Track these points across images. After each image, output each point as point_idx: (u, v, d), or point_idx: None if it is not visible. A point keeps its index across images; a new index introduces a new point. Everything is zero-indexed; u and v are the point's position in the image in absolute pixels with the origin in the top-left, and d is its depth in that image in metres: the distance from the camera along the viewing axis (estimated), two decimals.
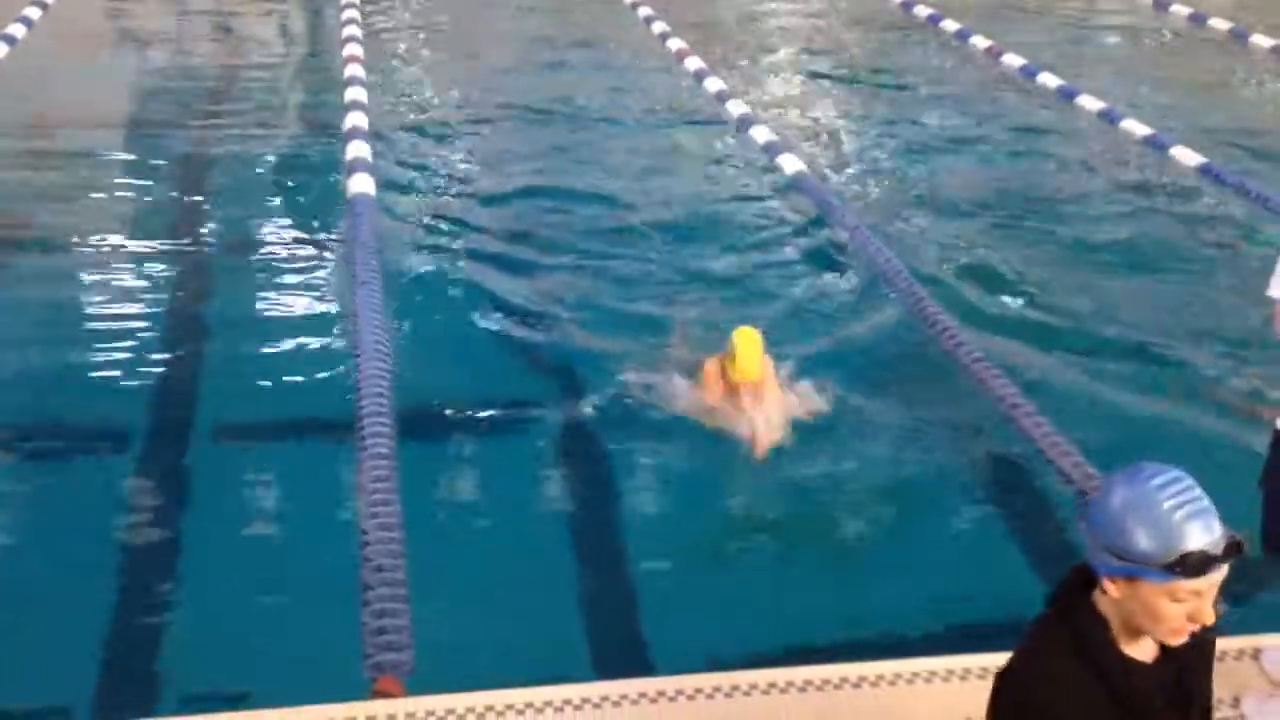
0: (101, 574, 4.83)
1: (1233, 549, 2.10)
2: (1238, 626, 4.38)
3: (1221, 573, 2.13)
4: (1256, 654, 4.16)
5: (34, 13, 13.20)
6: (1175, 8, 15.51)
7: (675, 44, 13.02)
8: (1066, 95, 11.72)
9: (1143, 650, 2.24)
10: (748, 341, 5.83)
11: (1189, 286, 7.87)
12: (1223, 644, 4.20)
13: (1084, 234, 8.63)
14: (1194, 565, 2.07)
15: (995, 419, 6.01)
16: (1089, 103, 11.40)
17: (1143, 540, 2.08)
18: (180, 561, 5.01)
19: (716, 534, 5.28)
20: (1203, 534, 2.08)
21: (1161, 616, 2.14)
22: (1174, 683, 2.25)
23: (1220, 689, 3.99)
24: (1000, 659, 2.38)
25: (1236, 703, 3.93)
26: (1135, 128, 10.62)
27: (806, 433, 5.84)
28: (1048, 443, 5.68)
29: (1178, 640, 2.20)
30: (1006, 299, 7.55)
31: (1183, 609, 2.12)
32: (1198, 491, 2.13)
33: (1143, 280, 7.95)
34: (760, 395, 5.82)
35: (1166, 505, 2.09)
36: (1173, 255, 8.38)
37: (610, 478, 5.65)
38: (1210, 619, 2.14)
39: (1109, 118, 11.01)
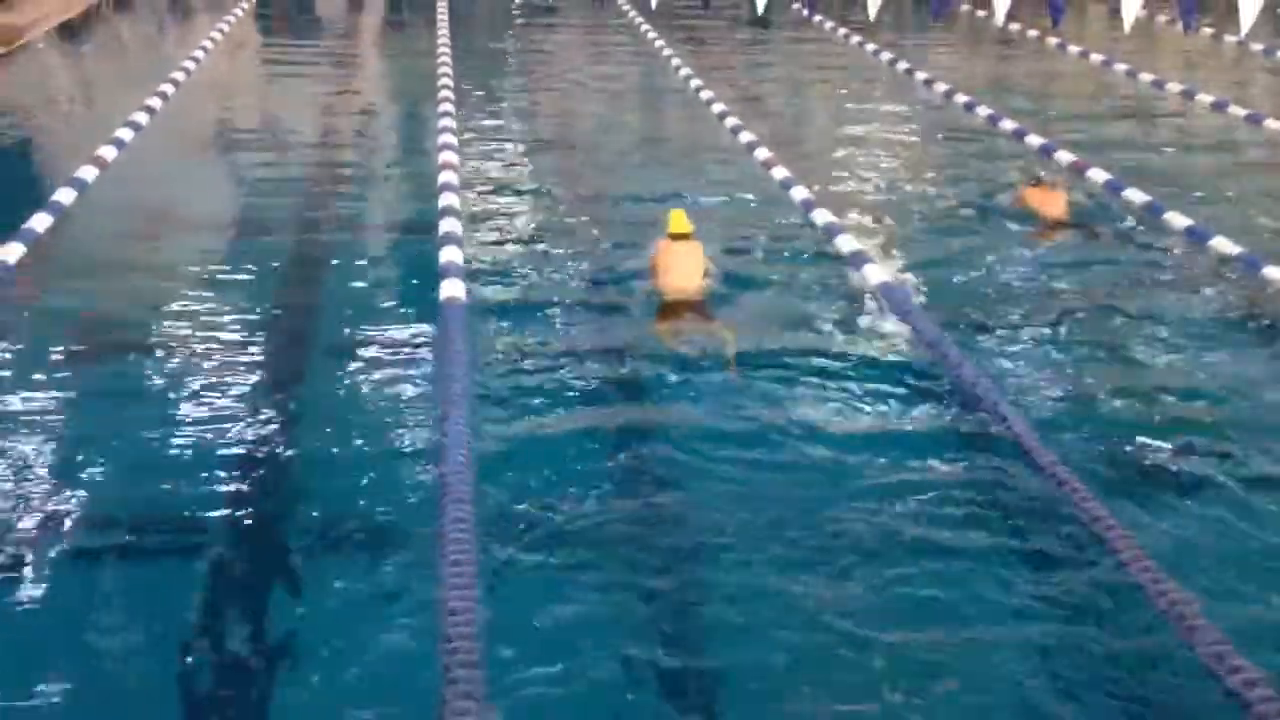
0: (183, 671, 4.99)
1: None
2: None
3: None
4: None
5: (141, 118, 13.85)
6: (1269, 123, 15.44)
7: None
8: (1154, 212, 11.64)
9: None
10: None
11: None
12: None
13: (1175, 360, 8.56)
14: None
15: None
16: (1176, 220, 11.30)
17: None
18: (259, 659, 5.17)
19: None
20: None
21: None
22: None
23: None
24: None
25: None
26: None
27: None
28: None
29: None
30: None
31: None
32: None
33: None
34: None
35: None
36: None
37: (691, 574, 5.69)
38: None
39: (1197, 235, 10.92)
